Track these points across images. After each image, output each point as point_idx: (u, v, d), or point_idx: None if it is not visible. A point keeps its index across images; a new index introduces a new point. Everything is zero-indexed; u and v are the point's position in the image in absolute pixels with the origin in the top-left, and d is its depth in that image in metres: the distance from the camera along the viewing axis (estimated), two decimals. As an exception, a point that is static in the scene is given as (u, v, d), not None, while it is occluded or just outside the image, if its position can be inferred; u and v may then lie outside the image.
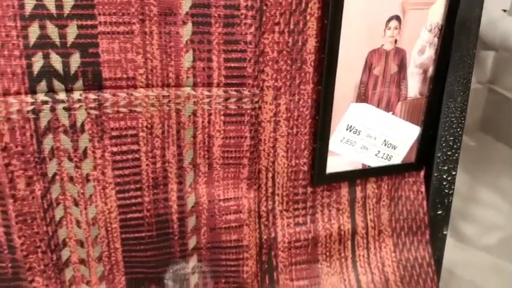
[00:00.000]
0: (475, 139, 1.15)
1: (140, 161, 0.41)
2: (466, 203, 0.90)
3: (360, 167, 0.48)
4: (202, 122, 0.41)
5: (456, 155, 0.49)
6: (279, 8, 0.40)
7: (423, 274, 0.51)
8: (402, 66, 0.44)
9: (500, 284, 0.71)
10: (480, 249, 0.78)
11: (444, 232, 0.53)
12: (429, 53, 0.45)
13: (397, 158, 0.48)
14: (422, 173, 0.50)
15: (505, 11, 1.03)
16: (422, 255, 0.52)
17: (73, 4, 0.35)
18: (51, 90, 0.36)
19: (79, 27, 0.35)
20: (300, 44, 0.42)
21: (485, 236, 0.82)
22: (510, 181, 0.97)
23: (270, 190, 0.47)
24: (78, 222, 0.41)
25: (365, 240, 0.51)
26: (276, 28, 0.41)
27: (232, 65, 0.39)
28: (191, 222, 0.44)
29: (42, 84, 0.36)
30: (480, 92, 1.16)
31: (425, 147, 0.49)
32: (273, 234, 0.48)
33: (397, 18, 0.42)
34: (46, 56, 0.35)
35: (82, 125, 0.38)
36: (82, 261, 0.43)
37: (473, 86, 1.13)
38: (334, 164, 0.46)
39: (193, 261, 0.46)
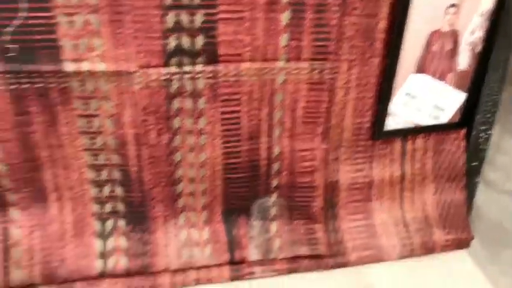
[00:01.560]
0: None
1: (240, 119, 0.51)
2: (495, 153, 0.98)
3: (412, 125, 0.58)
4: (290, 88, 0.51)
5: (493, 118, 0.59)
6: (358, -4, 0.49)
7: (457, 213, 0.62)
8: (455, 44, 0.53)
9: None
10: (503, 193, 0.88)
11: (477, 180, 0.63)
12: (479, 33, 0.53)
13: (444, 118, 0.58)
14: (463, 131, 0.60)
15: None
16: (458, 198, 0.62)
17: (202, -3, 0.44)
18: (180, 64, 0.47)
19: (205, 15, 0.45)
20: (373, 25, 0.51)
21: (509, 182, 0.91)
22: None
23: (338, 143, 0.57)
24: (191, 165, 0.53)
25: (411, 185, 0.62)
26: (354, 12, 0.50)
27: (318, 43, 0.49)
28: (275, 167, 0.55)
29: (174, 60, 0.46)
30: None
31: (468, 110, 0.58)
32: (336, 178, 0.59)
33: (455, 5, 0.50)
34: (178, 38, 0.46)
35: (201, 90, 0.49)
36: (191, 194, 0.55)
37: None
38: (391, 123, 0.56)
39: (274, 197, 0.58)
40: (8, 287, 0.52)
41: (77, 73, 0.45)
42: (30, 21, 0.42)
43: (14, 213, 0.52)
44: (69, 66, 0.44)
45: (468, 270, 0.62)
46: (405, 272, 0.60)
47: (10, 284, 0.52)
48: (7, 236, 0.52)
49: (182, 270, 0.56)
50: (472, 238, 0.63)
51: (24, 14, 0.41)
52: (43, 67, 0.44)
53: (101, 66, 0.45)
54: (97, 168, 0.51)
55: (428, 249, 0.61)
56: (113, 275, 0.54)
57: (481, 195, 0.80)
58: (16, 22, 0.41)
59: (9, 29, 0.41)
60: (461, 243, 0.62)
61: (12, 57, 0.43)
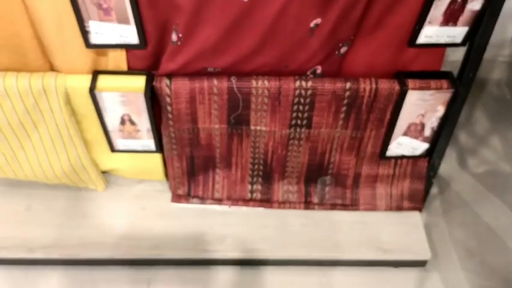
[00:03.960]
0: (512, 95, 1.73)
1: (317, 149, 1.17)
2: (478, 142, 1.56)
3: (401, 155, 1.20)
4: (341, 141, 1.15)
5: (442, 154, 1.20)
6: None
7: (417, 194, 1.27)
8: (423, 127, 1.13)
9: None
10: (471, 175, 1.48)
11: (432, 180, 1.27)
12: (436, 123, 1.13)
13: (417, 153, 1.20)
14: (427, 159, 1.22)
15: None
16: (418, 187, 1.26)
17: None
18: (295, 129, 1.12)
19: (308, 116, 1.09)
20: (384, 113, 1.12)
21: (478, 166, 1.51)
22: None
23: (362, 158, 1.22)
24: (293, 162, 1.20)
25: (398, 177, 1.26)
26: (376, 110, 1.11)
27: (357, 124, 1.12)
28: (330, 166, 1.22)
29: (293, 127, 1.12)
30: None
31: (430, 150, 1.19)
32: (360, 171, 1.25)
33: (422, 115, 1.10)
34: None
35: (303, 139, 1.14)
36: (291, 172, 1.23)
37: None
38: (389, 152, 1.20)
39: (328, 176, 1.25)
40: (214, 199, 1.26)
41: (256, 130, 1.12)
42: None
43: (218, 172, 1.24)
44: (253, 128, 1.12)
45: (417, 222, 1.28)
46: (384, 217, 1.28)
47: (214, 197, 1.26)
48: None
49: (283, 202, 1.27)
50: (422, 207, 1.28)
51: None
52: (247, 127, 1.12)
53: (263, 128, 1.12)
54: (254, 158, 1.20)
55: (400, 208, 1.28)
56: (255, 200, 1.26)
57: (448, 170, 1.41)
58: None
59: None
60: (417, 208, 1.28)
61: (235, 126, 1.11)
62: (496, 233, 1.33)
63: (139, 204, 1.25)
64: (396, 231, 1.24)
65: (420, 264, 1.22)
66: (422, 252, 1.20)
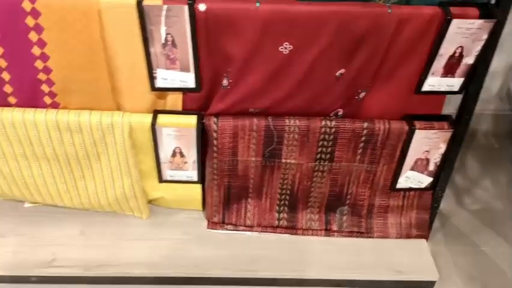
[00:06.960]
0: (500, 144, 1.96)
1: (338, 181, 1.36)
2: (472, 184, 1.77)
3: (408, 187, 1.40)
4: (358, 175, 1.35)
5: (444, 186, 1.40)
6: None
7: (423, 221, 1.45)
8: (428, 162, 1.34)
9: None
10: (468, 211, 1.67)
11: (436, 210, 1.45)
12: (438, 160, 1.33)
13: (422, 186, 1.39)
14: (431, 191, 1.41)
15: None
16: (423, 216, 1.45)
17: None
18: (320, 160, 1.32)
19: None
20: (395, 153, 1.32)
21: (473, 204, 1.70)
22: (505, 177, 1.81)
23: (376, 190, 1.41)
24: (316, 193, 1.39)
25: (406, 207, 1.45)
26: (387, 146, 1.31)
27: (371, 159, 1.32)
28: (348, 197, 1.41)
29: (318, 159, 1.32)
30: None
31: (434, 184, 1.39)
32: (373, 202, 1.43)
33: (428, 151, 1.31)
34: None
35: (325, 172, 1.34)
36: (314, 201, 1.42)
37: None
38: (398, 185, 1.39)
39: (346, 207, 1.43)
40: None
41: (287, 163, 1.32)
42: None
43: (250, 201, 1.42)
44: (284, 161, 1.31)
45: (425, 247, 1.45)
46: (395, 243, 1.44)
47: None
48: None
49: (306, 229, 1.44)
50: (428, 235, 1.46)
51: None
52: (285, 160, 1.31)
53: (293, 161, 1.31)
54: (282, 189, 1.39)
55: (409, 236, 1.45)
56: (281, 227, 1.43)
57: (447, 207, 1.60)
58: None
59: (269, 150, 1.29)
60: (423, 236, 1.46)
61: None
62: (494, 260, 1.51)
63: (180, 230, 1.41)
64: (407, 255, 1.40)
65: (429, 285, 1.38)
66: (430, 273, 1.36)
